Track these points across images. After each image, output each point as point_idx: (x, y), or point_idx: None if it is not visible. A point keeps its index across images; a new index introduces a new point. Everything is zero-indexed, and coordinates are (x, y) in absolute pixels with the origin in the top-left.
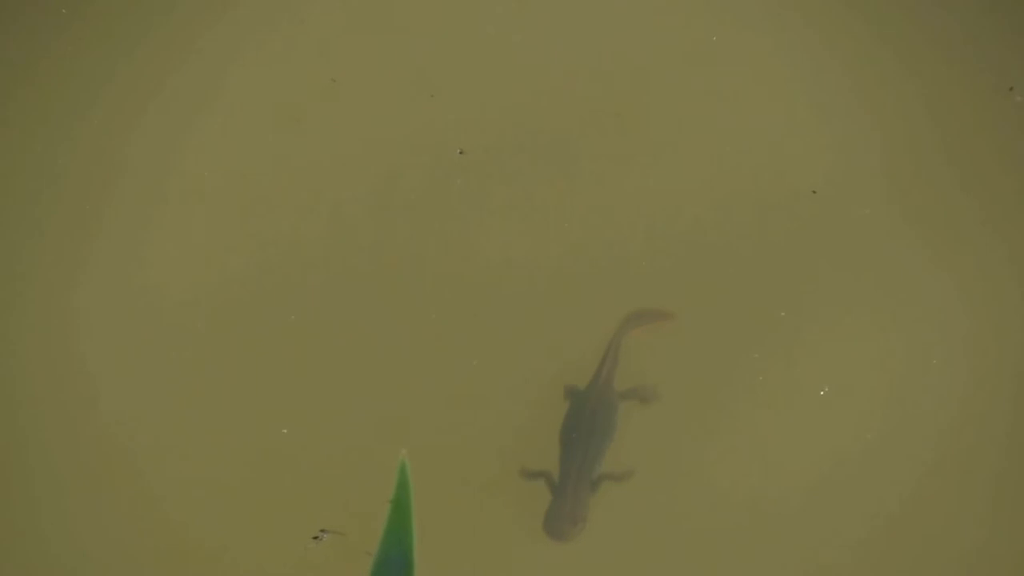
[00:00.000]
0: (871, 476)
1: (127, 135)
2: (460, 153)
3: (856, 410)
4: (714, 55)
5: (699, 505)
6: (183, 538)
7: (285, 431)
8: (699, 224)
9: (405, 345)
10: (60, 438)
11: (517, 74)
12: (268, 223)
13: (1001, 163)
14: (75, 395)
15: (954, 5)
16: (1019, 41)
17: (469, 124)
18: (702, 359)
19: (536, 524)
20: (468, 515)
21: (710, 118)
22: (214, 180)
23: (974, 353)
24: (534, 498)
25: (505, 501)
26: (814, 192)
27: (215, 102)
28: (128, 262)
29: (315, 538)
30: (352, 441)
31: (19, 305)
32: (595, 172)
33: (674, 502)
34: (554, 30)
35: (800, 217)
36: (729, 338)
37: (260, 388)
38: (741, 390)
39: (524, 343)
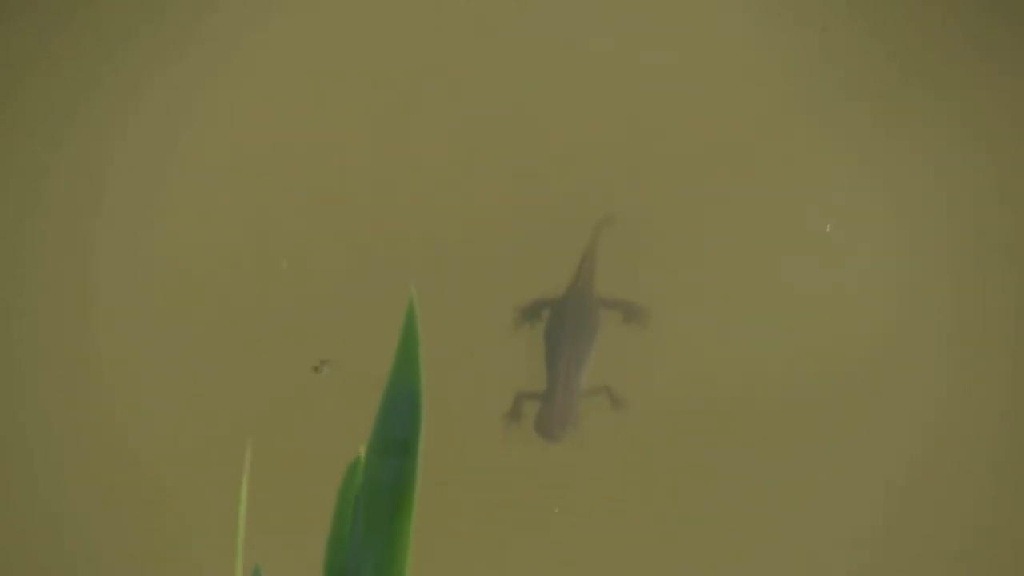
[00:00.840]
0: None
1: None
2: None
3: (862, 247)
4: None
5: (694, 352)
6: (178, 372)
7: (286, 265)
8: (712, 73)
9: (409, 181)
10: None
11: None
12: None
13: None
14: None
15: None
16: None
17: None
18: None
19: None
20: (472, 357)
21: None
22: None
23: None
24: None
25: (504, 346)
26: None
27: None
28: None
29: (315, 369)
30: (355, 276)
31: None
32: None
33: (666, 349)
34: None
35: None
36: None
37: (261, 224)
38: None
39: (536, 187)
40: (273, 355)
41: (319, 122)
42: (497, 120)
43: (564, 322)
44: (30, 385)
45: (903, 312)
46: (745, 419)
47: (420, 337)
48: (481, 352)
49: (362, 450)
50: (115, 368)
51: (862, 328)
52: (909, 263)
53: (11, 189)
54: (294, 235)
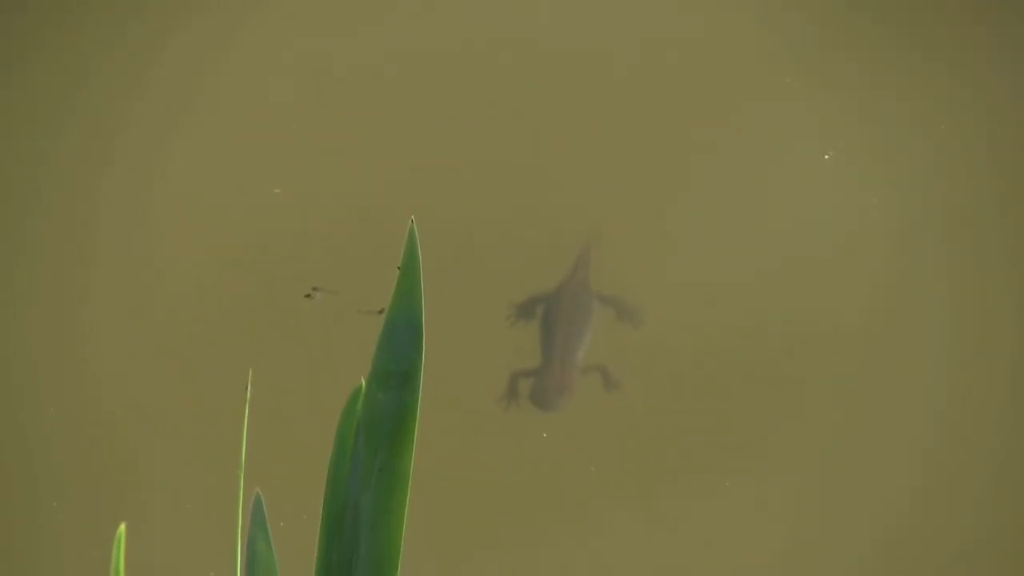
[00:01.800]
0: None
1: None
2: None
3: (859, 174)
4: None
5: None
6: (173, 297)
7: (278, 191)
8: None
9: (414, 112)
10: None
11: None
12: None
13: None
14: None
15: None
16: None
17: None
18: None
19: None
20: (472, 288)
21: None
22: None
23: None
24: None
25: (505, 269)
26: None
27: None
28: None
29: (307, 296)
30: (352, 205)
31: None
32: None
33: (668, 279)
34: None
35: None
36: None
37: (257, 146)
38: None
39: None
40: (271, 286)
41: (317, 108)
42: (499, 114)
43: (560, 306)
44: (24, 334)
45: (898, 287)
46: (738, 397)
47: (421, 267)
48: (478, 323)
49: (364, 380)
50: (110, 306)
51: (857, 299)
52: (901, 235)
53: (8, 178)
54: (290, 169)
